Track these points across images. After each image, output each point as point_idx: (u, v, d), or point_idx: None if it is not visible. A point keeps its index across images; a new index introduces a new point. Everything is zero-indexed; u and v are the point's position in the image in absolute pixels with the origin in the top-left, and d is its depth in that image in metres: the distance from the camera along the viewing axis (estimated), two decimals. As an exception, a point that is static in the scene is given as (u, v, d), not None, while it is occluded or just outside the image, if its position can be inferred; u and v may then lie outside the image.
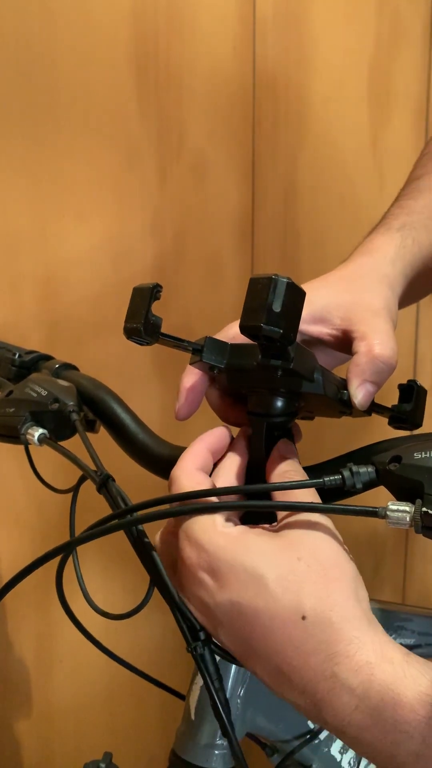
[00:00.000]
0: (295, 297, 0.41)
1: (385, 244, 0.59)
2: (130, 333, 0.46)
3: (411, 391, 0.53)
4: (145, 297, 0.46)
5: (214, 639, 0.47)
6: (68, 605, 0.56)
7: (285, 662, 0.41)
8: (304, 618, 0.41)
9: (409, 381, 0.54)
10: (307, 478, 0.48)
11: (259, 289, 0.41)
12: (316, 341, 0.56)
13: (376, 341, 0.51)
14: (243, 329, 0.41)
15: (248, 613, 0.42)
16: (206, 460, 0.51)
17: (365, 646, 0.40)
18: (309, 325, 0.55)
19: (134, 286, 0.47)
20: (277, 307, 0.40)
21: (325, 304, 0.54)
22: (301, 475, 0.48)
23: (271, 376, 0.48)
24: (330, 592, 0.41)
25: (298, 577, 0.42)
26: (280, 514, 0.46)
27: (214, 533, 0.44)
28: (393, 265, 0.58)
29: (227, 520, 0.46)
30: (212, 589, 0.44)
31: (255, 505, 0.46)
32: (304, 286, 0.55)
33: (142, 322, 0.46)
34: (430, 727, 0.38)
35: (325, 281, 0.57)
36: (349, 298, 0.55)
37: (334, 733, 0.41)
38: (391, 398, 0.55)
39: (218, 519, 0.45)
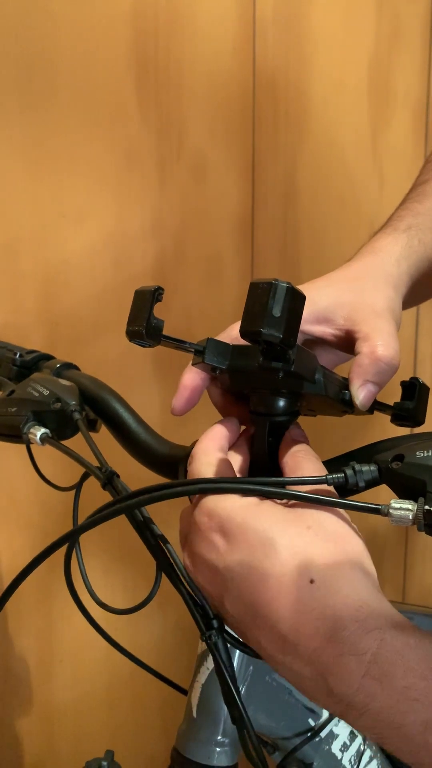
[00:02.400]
0: (295, 301, 0.41)
1: (390, 244, 0.59)
2: (133, 336, 0.47)
3: (413, 389, 0.54)
4: (146, 300, 0.46)
5: (219, 611, 0.47)
6: (76, 592, 0.56)
7: (292, 629, 0.41)
8: (312, 582, 0.41)
9: (411, 378, 0.54)
10: (318, 459, 0.49)
11: (259, 294, 0.41)
12: (319, 341, 0.56)
13: (379, 342, 0.51)
14: (243, 334, 0.42)
15: (257, 575, 0.42)
16: (224, 442, 0.52)
17: (374, 613, 0.40)
18: (312, 324, 0.55)
19: (136, 289, 0.48)
20: (277, 312, 0.40)
21: (328, 304, 0.55)
22: (312, 457, 0.49)
23: (273, 378, 0.48)
24: (338, 559, 0.42)
25: (307, 543, 0.42)
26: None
27: (228, 500, 0.45)
28: (398, 264, 0.58)
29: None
30: (223, 551, 0.44)
31: (264, 492, 0.46)
32: (308, 285, 0.55)
33: (144, 325, 0.46)
34: None
35: (328, 280, 0.57)
36: (352, 298, 0.55)
37: (339, 707, 0.40)
38: (393, 396, 0.55)
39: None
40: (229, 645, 0.50)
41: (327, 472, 0.47)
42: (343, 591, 0.41)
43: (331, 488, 0.47)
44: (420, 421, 0.54)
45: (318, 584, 0.41)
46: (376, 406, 0.54)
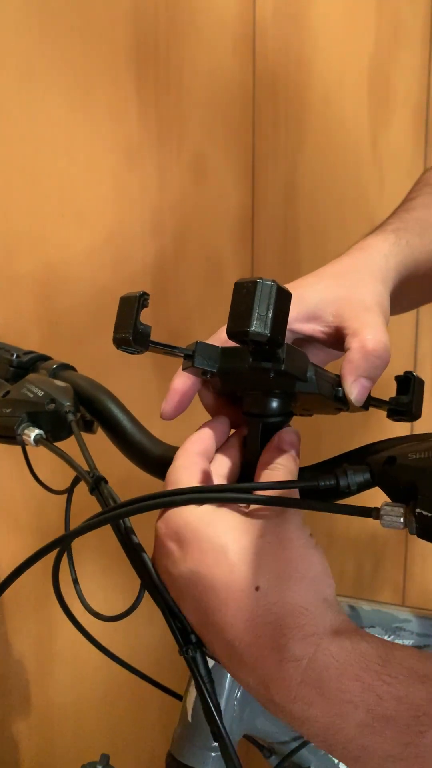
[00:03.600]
0: (281, 299, 0.41)
1: (378, 242, 0.59)
2: (120, 343, 0.46)
3: (408, 383, 0.53)
4: (132, 306, 0.46)
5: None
6: (65, 602, 0.56)
7: (237, 636, 0.42)
8: (257, 589, 0.41)
9: (405, 372, 0.53)
10: (296, 474, 0.49)
11: (244, 294, 0.41)
12: (309, 339, 0.55)
13: (368, 336, 0.51)
14: (230, 335, 0.41)
15: (206, 582, 0.43)
16: (209, 445, 0.52)
17: (315, 620, 0.40)
18: (301, 323, 0.54)
19: (121, 295, 0.47)
20: (262, 311, 0.40)
21: (317, 301, 0.54)
22: (287, 471, 0.48)
23: (264, 378, 0.48)
24: (287, 570, 0.42)
25: (257, 551, 0.42)
26: None
27: (186, 509, 0.46)
28: (386, 260, 0.57)
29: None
30: (177, 558, 0.45)
31: (239, 499, 0.46)
32: (296, 283, 0.55)
33: (131, 332, 0.45)
34: (375, 696, 0.37)
35: (316, 277, 0.57)
36: (340, 294, 0.54)
37: (283, 717, 0.40)
38: (389, 392, 0.55)
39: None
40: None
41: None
42: (287, 598, 0.41)
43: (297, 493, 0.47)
44: (417, 415, 0.53)
45: (263, 591, 0.41)
46: (371, 401, 0.53)
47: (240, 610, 0.41)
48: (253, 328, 0.40)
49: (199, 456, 0.50)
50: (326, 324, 0.54)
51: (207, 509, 0.45)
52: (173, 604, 0.48)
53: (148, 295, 0.46)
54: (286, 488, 0.45)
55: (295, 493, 0.47)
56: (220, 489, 0.47)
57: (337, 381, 0.51)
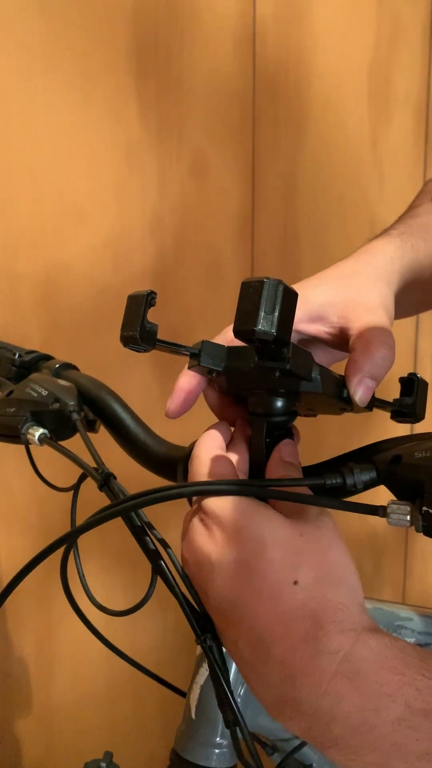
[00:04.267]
0: (287, 298, 0.41)
1: (384, 244, 0.59)
2: (127, 341, 0.46)
3: (412, 385, 0.53)
4: (139, 304, 0.46)
5: (204, 604, 0.47)
6: (72, 596, 0.56)
7: (267, 628, 0.41)
8: (295, 583, 0.41)
9: (409, 374, 0.54)
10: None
11: (250, 293, 0.41)
12: (314, 339, 0.56)
13: (373, 338, 0.51)
14: (237, 333, 0.41)
15: (243, 570, 0.43)
16: (222, 443, 0.52)
17: (353, 617, 0.40)
18: (306, 324, 0.55)
19: (129, 294, 0.47)
20: (269, 310, 0.40)
21: (321, 302, 0.55)
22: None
23: (269, 378, 0.48)
24: (327, 571, 0.42)
25: (297, 548, 0.43)
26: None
27: (232, 502, 0.46)
28: (391, 262, 0.58)
29: None
30: (219, 543, 0.45)
31: (259, 493, 0.46)
32: (301, 284, 0.55)
33: (138, 330, 0.46)
34: (415, 689, 0.37)
35: (321, 278, 0.57)
36: (345, 296, 0.55)
37: (304, 720, 0.39)
38: (392, 393, 0.55)
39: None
40: (224, 649, 0.50)
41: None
42: (326, 595, 0.41)
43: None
44: (420, 417, 0.54)
45: (301, 586, 0.41)
46: (375, 403, 0.53)
47: (274, 601, 0.41)
48: (260, 327, 0.40)
49: (220, 450, 0.51)
50: (331, 325, 0.54)
51: (249, 501, 0.45)
52: (192, 593, 0.48)
53: (155, 293, 0.46)
54: (295, 486, 0.46)
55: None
56: (237, 483, 0.48)
57: (342, 382, 0.51)
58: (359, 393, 0.50)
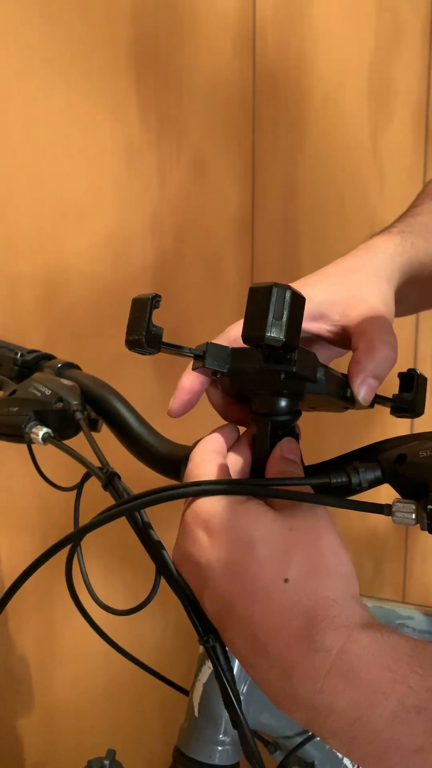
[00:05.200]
0: (296, 304, 0.41)
1: (384, 241, 0.60)
2: (132, 345, 0.47)
3: (411, 380, 0.54)
4: (144, 308, 0.46)
5: (199, 604, 0.48)
6: (77, 596, 0.57)
7: (262, 627, 0.41)
8: (286, 581, 0.41)
9: (409, 370, 0.54)
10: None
11: (259, 298, 0.41)
12: (315, 337, 0.56)
13: (375, 337, 0.51)
14: (246, 339, 0.42)
15: (234, 572, 0.43)
16: (222, 445, 0.52)
17: (345, 612, 0.40)
18: (308, 322, 0.55)
19: (133, 297, 0.48)
20: (278, 316, 0.41)
21: (322, 300, 0.55)
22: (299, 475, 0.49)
23: (275, 379, 0.48)
24: (318, 564, 0.42)
25: (287, 543, 0.42)
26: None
27: (215, 498, 0.46)
28: (391, 259, 0.58)
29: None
30: (205, 546, 0.45)
31: (260, 492, 0.46)
32: (302, 282, 0.56)
33: (144, 334, 0.46)
34: (407, 686, 0.37)
35: (322, 276, 0.57)
36: (346, 293, 0.55)
37: (304, 713, 0.40)
38: (392, 388, 0.55)
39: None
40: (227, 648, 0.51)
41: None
42: (318, 591, 0.41)
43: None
44: (419, 412, 0.54)
45: (292, 583, 0.41)
46: (376, 399, 0.54)
47: (267, 601, 0.41)
48: (269, 333, 0.40)
49: (216, 453, 0.51)
50: (333, 323, 0.55)
51: (237, 500, 0.45)
52: (192, 593, 0.48)
53: (160, 297, 0.46)
54: (301, 485, 0.46)
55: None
56: (237, 482, 0.48)
57: (345, 381, 0.52)
58: (362, 392, 0.50)
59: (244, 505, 0.45)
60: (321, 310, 0.55)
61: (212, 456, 0.50)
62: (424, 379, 0.55)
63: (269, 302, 0.40)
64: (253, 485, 0.47)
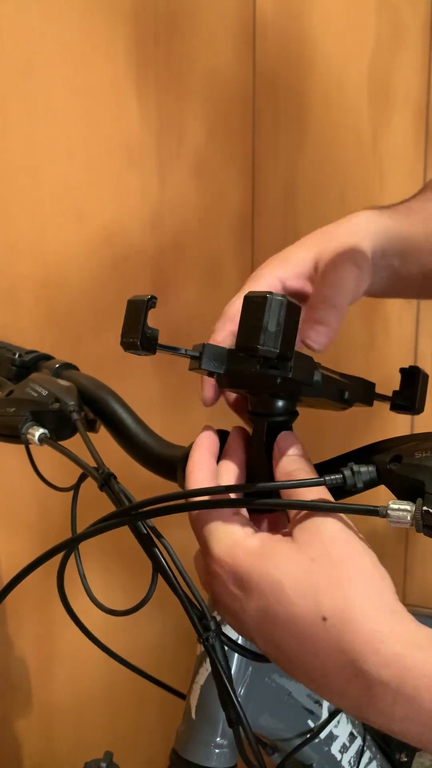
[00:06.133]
0: (291, 314, 0.41)
1: (365, 211, 0.61)
2: (128, 347, 0.46)
3: (413, 377, 0.54)
4: (140, 310, 0.46)
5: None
6: (69, 603, 0.56)
7: (319, 669, 0.41)
8: (324, 619, 0.41)
9: (411, 366, 0.54)
10: (315, 473, 0.48)
11: (253, 308, 0.41)
12: (302, 295, 0.57)
13: (328, 282, 0.53)
14: (240, 349, 0.41)
15: (272, 619, 0.43)
16: (215, 442, 0.53)
17: (389, 638, 0.39)
18: (292, 281, 0.57)
19: (128, 298, 0.47)
20: (272, 327, 0.40)
21: (301, 259, 0.57)
22: (308, 472, 0.48)
23: (271, 383, 0.48)
24: (345, 590, 0.41)
25: (313, 579, 0.42)
26: (291, 512, 0.47)
27: (238, 550, 0.45)
28: (366, 222, 0.59)
29: (244, 526, 0.47)
30: (242, 600, 0.44)
31: (261, 503, 0.46)
32: (284, 250, 0.57)
33: (139, 336, 0.45)
34: None
35: (300, 241, 0.60)
36: (319, 248, 0.57)
37: (387, 731, 0.40)
38: (393, 385, 0.55)
39: (238, 533, 0.46)
40: (226, 648, 0.50)
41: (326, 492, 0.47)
42: (355, 623, 0.40)
43: (328, 495, 0.46)
44: (419, 410, 0.54)
45: (330, 621, 0.40)
46: (375, 396, 0.53)
47: (313, 645, 0.41)
48: (263, 345, 0.40)
49: (210, 453, 0.51)
50: (311, 278, 0.57)
51: (256, 547, 0.45)
52: (194, 592, 0.48)
53: (155, 299, 0.46)
54: (296, 487, 0.46)
55: (325, 492, 0.46)
56: (234, 488, 0.48)
57: (343, 381, 0.51)
58: (313, 340, 0.50)
59: (263, 546, 0.45)
60: (301, 268, 0.57)
61: (207, 456, 0.51)
62: (426, 377, 0.54)
63: (263, 312, 0.40)
64: (255, 492, 0.46)
